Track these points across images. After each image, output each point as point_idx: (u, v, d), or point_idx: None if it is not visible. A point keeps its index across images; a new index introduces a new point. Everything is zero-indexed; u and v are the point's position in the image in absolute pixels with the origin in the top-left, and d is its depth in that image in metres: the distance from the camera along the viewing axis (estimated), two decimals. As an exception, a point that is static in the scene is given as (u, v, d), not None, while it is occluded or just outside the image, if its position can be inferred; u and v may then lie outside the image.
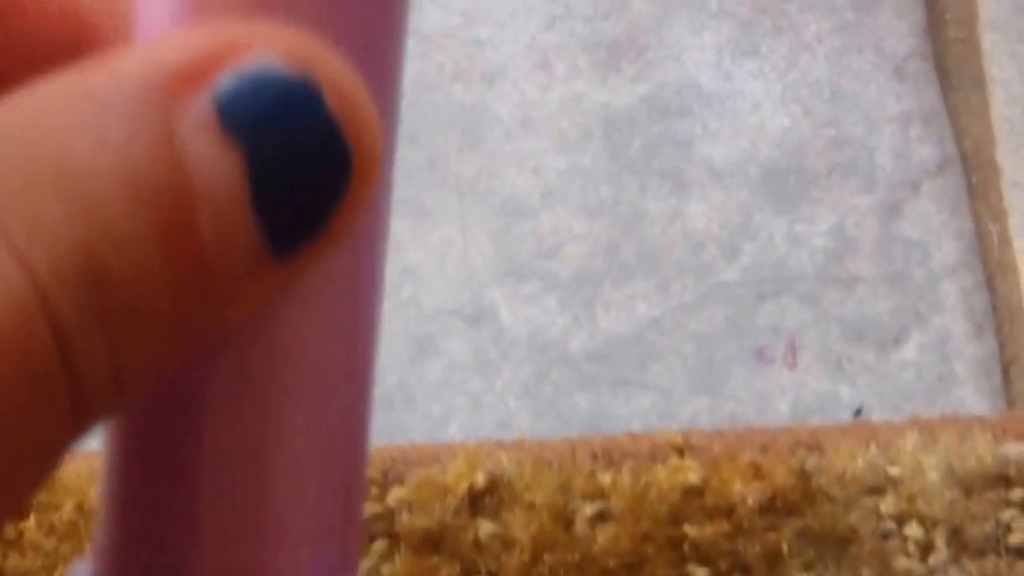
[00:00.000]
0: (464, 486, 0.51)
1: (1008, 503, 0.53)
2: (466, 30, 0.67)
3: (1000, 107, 0.66)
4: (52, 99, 0.16)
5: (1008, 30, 0.67)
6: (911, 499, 0.52)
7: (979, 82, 0.67)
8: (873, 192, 0.63)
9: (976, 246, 0.62)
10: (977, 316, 0.61)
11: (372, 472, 0.56)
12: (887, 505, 0.52)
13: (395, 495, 0.51)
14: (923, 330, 0.60)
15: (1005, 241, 0.63)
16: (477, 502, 0.52)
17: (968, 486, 0.54)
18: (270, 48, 0.17)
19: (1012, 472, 0.55)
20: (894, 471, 0.55)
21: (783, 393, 0.59)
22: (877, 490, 0.54)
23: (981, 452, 0.54)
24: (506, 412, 0.59)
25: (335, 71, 0.17)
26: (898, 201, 0.63)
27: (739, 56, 0.66)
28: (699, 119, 0.64)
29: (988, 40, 0.67)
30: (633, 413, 0.59)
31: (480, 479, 0.55)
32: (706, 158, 0.64)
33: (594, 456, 0.57)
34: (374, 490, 0.51)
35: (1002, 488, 0.54)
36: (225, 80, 0.17)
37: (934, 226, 0.63)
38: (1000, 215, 0.63)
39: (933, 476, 0.54)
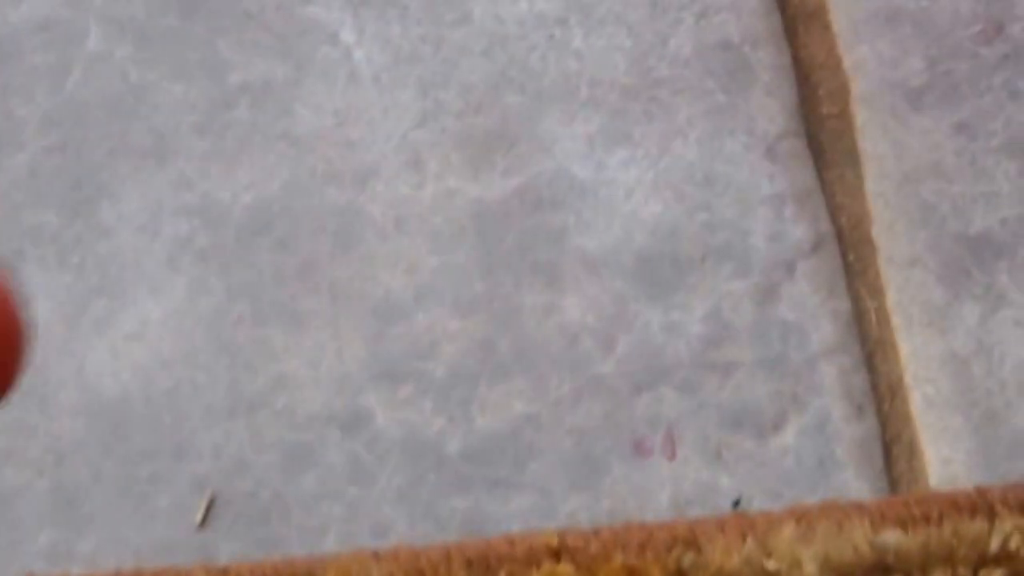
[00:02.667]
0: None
1: (886, 592, 0.52)
2: (338, 131, 0.66)
3: (874, 182, 0.65)
4: None
5: (880, 105, 0.67)
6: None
7: (853, 158, 0.66)
8: (748, 276, 0.63)
9: (854, 325, 0.62)
10: (856, 396, 0.60)
11: (243, 591, 0.55)
12: (763, 601, 0.51)
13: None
14: (802, 414, 0.60)
15: (883, 318, 0.62)
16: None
17: (846, 576, 0.53)
18: None
19: (891, 559, 0.54)
20: (771, 565, 0.54)
21: (663, 485, 0.58)
22: (755, 584, 0.53)
23: (858, 541, 0.53)
24: (384, 519, 0.58)
25: None
26: (774, 283, 0.63)
27: (611, 144, 0.66)
28: (572, 210, 0.64)
29: (861, 116, 0.67)
30: (512, 513, 0.58)
31: (352, 593, 0.54)
32: (580, 249, 0.63)
33: (469, 564, 0.56)
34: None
35: (880, 576, 0.53)
36: None
37: (811, 307, 0.62)
38: (877, 292, 0.63)
39: (811, 568, 0.53)
